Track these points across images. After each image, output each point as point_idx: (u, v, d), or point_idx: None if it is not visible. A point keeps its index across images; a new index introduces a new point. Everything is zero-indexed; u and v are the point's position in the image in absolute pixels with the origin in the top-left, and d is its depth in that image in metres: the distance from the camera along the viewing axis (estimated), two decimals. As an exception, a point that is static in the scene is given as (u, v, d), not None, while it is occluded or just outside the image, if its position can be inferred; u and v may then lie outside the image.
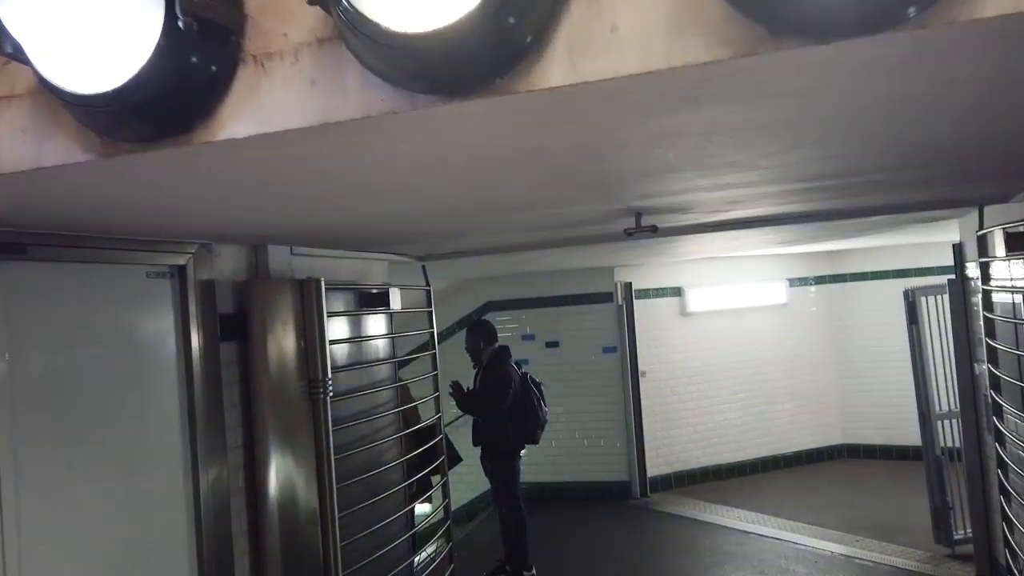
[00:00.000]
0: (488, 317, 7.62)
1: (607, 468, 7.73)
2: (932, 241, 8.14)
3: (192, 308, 2.95)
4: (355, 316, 3.85)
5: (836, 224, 4.72)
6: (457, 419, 6.05)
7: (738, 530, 6.37)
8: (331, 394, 3.34)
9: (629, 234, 3.09)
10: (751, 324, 8.51)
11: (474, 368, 5.95)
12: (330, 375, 3.34)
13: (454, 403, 5.75)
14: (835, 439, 8.89)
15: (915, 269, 8.59)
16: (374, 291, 4.05)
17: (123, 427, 2.68)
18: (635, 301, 7.68)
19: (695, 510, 7.05)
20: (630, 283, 7.66)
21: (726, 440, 8.28)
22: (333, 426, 3.36)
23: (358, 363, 3.83)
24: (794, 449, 8.64)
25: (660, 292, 8.07)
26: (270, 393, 3.17)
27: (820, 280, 8.96)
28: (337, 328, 3.64)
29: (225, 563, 3.00)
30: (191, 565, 2.89)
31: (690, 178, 2.23)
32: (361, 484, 3.75)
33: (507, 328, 7.89)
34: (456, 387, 5.64)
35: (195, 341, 2.94)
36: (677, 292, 8.16)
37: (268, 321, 3.20)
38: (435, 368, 4.55)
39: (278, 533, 3.15)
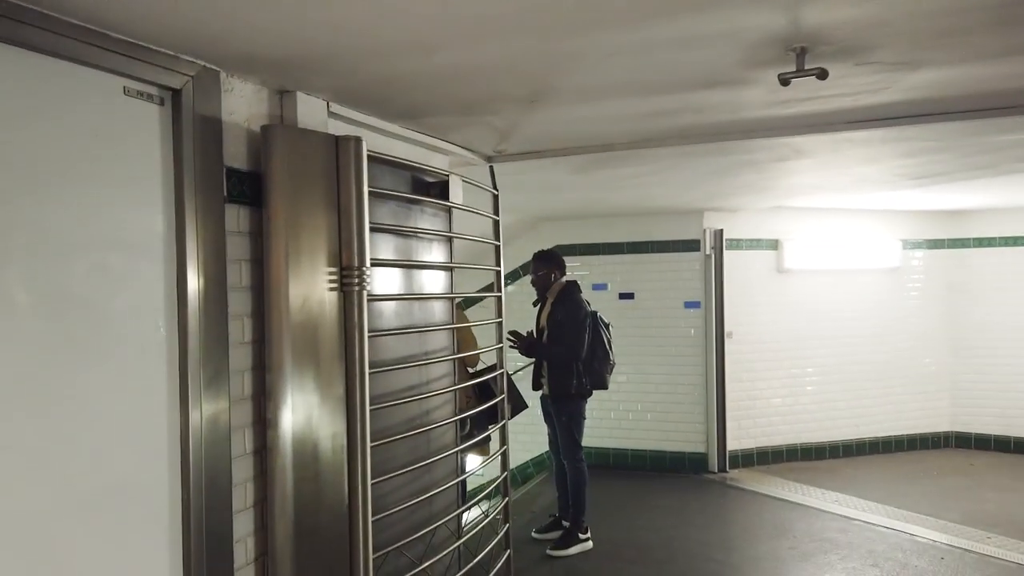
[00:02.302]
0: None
1: (681, 438, 6.86)
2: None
3: (188, 152, 2.21)
4: (405, 203, 3.08)
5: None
6: (523, 368, 5.29)
7: (839, 515, 5.44)
8: (368, 288, 2.59)
9: (784, 83, 2.22)
10: (855, 288, 7.48)
11: (535, 304, 5.17)
12: (368, 264, 2.58)
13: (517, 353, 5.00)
14: (943, 425, 7.82)
15: (1054, 235, 7.43)
16: (430, 179, 3.27)
17: (72, 319, 1.91)
18: (725, 252, 6.74)
19: (784, 490, 6.14)
20: (721, 230, 6.72)
21: (818, 417, 7.30)
22: (369, 333, 2.61)
23: (406, 261, 3.07)
24: (895, 433, 7.61)
25: (754, 244, 7.11)
26: (290, 278, 2.43)
27: (938, 244, 7.84)
28: (380, 214, 2.88)
29: (220, 514, 2.29)
30: (171, 520, 2.18)
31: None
32: (401, 412, 3.01)
33: (576, 275, 7.05)
34: (517, 336, 4.88)
35: (190, 199, 2.21)
36: (773, 245, 7.18)
37: (292, 182, 2.45)
38: (499, 289, 3.76)
39: (290, 456, 2.42)
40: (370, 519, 2.58)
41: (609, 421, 6.99)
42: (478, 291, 5.37)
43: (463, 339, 3.94)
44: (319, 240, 2.51)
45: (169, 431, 2.18)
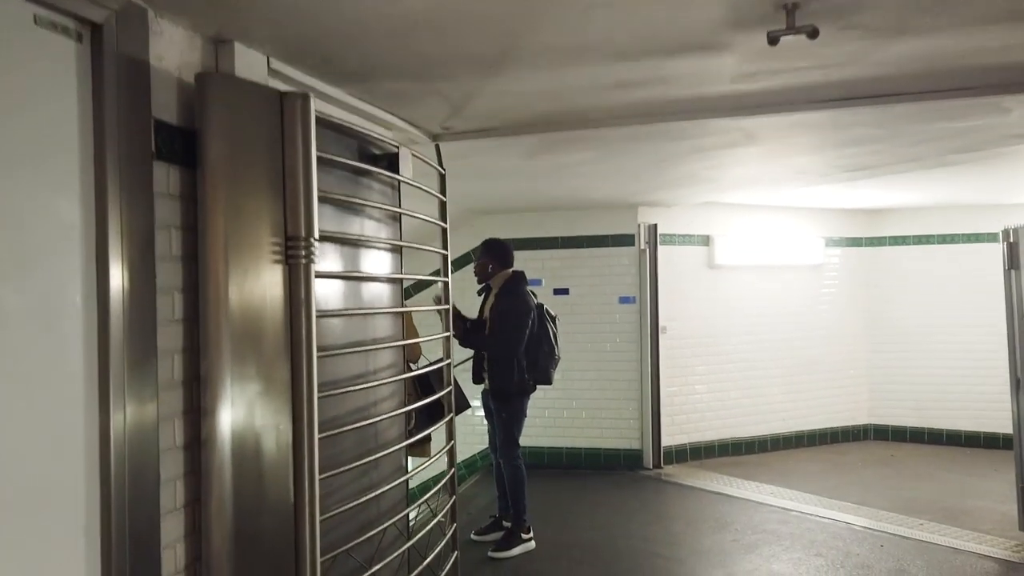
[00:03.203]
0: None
1: (616, 435, 6.78)
2: (989, 203, 7.31)
3: (111, 96, 1.90)
4: (351, 175, 2.82)
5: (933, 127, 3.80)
6: (464, 362, 5.06)
7: (777, 507, 5.46)
8: (316, 262, 2.33)
9: (773, 41, 2.11)
10: (781, 284, 7.61)
11: (479, 294, 4.98)
12: (316, 235, 2.32)
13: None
14: (862, 418, 8.05)
15: (962, 235, 7.81)
16: (377, 152, 3.03)
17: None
18: (659, 247, 6.71)
19: (720, 484, 6.13)
20: (655, 225, 6.69)
21: (748, 411, 7.38)
22: (317, 312, 2.34)
23: (355, 236, 2.81)
24: (819, 426, 7.78)
25: (686, 239, 7.12)
26: (229, 248, 2.15)
27: (856, 242, 8.08)
28: (324, 185, 2.61)
29: (145, 512, 1.99)
30: (88, 523, 1.87)
31: None
32: (348, 402, 2.75)
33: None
34: (456, 315, 4.63)
35: (112, 151, 1.90)
36: (705, 241, 7.22)
37: (231, 140, 2.17)
38: (445, 274, 3.54)
39: (229, 450, 2.13)
40: (318, 519, 2.31)
41: (543, 419, 6.84)
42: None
43: (407, 330, 3.70)
44: (261, 206, 2.24)
45: (87, 422, 1.86)
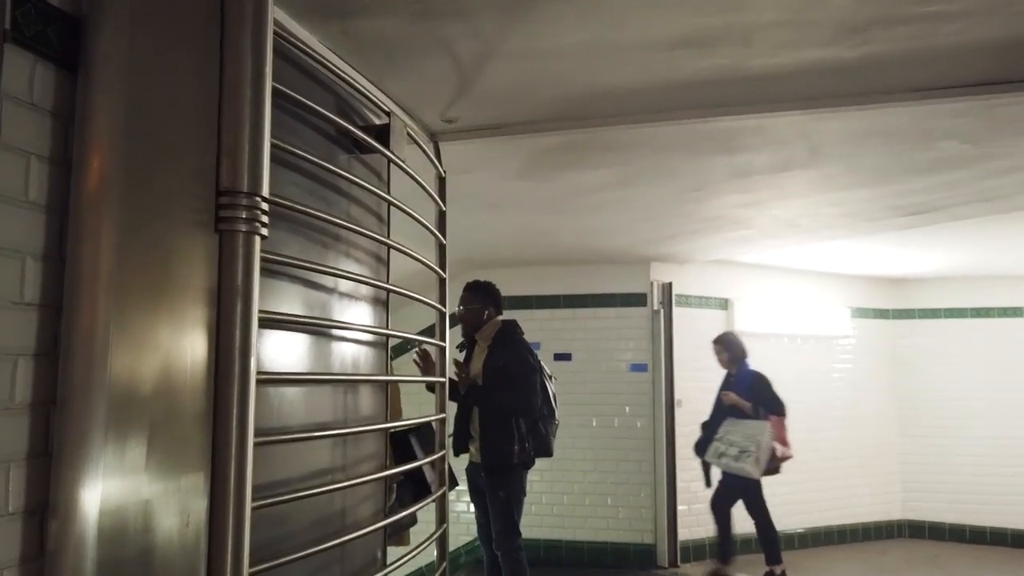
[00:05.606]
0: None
1: (625, 526, 5.85)
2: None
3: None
4: (320, 136, 2.07)
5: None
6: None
7: (827, 617, 4.54)
8: (265, 234, 1.55)
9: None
10: (806, 357, 6.86)
11: (460, 348, 4.20)
12: (265, 192, 1.55)
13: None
14: (895, 513, 7.16)
15: (997, 308, 7.16)
16: (357, 120, 2.29)
17: None
18: (674, 308, 5.97)
19: (752, 587, 5.20)
20: (670, 284, 5.97)
21: (773, 502, 6.46)
22: (260, 313, 1.54)
23: (318, 215, 2.02)
24: (849, 521, 6.88)
25: (703, 302, 6.40)
26: (121, 197, 1.37)
27: (883, 314, 7.40)
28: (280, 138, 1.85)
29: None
30: None
31: None
32: (301, 460, 1.91)
33: (506, 333, 6.09)
34: (460, 366, 3.94)
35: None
36: (723, 304, 6.49)
37: (139, 35, 1.43)
38: (443, 302, 2.76)
39: (96, 514, 1.29)
40: (242, 638, 1.44)
41: (540, 506, 5.91)
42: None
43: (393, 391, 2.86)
44: (179, 142, 1.48)
45: None
